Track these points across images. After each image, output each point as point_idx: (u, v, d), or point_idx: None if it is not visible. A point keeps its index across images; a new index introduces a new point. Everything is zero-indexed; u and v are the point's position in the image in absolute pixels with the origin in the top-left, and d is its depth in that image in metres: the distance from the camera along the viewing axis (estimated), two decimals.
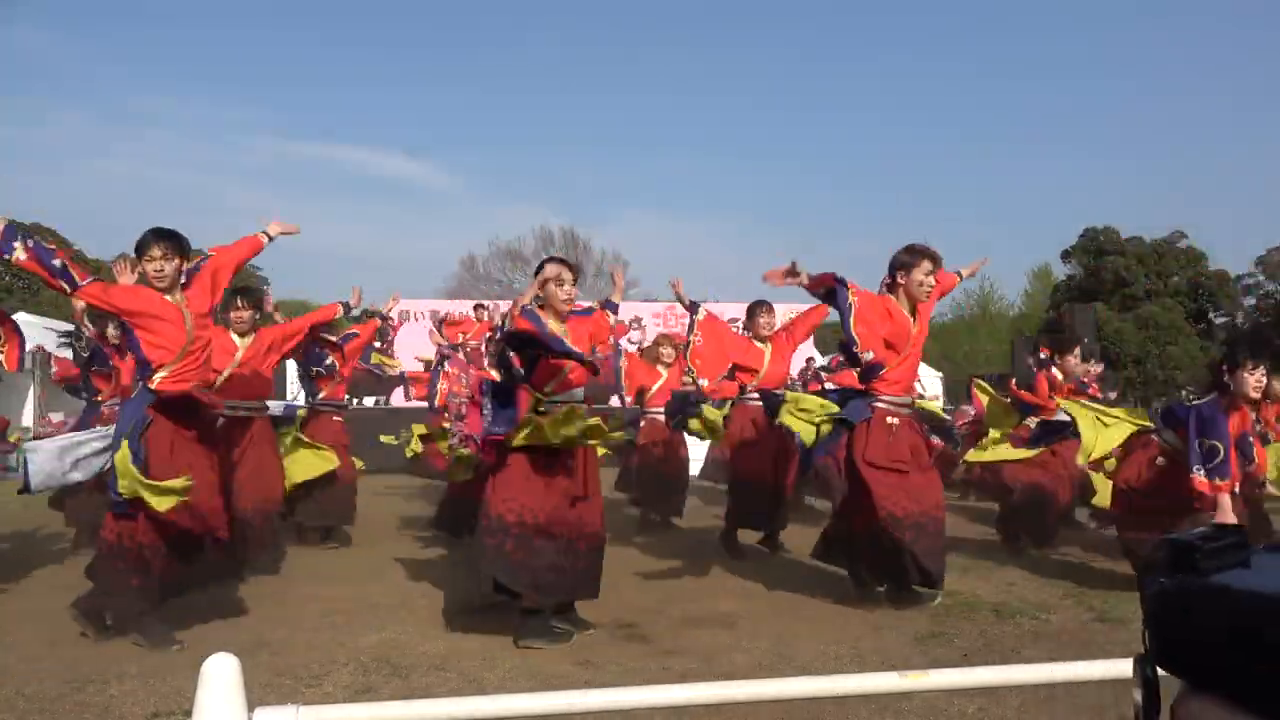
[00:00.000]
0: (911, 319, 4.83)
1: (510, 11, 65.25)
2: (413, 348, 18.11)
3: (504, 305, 7.72)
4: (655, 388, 7.75)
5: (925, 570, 4.59)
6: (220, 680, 1.57)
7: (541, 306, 4.39)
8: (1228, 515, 4.54)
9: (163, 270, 4.16)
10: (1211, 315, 39.41)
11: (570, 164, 66.51)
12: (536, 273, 4.48)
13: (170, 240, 4.19)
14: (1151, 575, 0.86)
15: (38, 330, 17.36)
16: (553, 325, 4.33)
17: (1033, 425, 6.44)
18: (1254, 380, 4.80)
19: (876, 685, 2.00)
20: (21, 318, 18.32)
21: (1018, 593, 5.00)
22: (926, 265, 4.76)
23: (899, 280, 4.83)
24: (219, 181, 65.69)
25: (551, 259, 4.53)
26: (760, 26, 64.77)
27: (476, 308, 10.03)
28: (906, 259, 4.81)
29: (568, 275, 4.36)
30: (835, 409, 4.83)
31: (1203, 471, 4.65)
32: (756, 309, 6.61)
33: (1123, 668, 2.16)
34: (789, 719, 3.08)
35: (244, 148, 66.97)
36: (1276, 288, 39.46)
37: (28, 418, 15.41)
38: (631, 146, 65.95)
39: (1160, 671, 0.83)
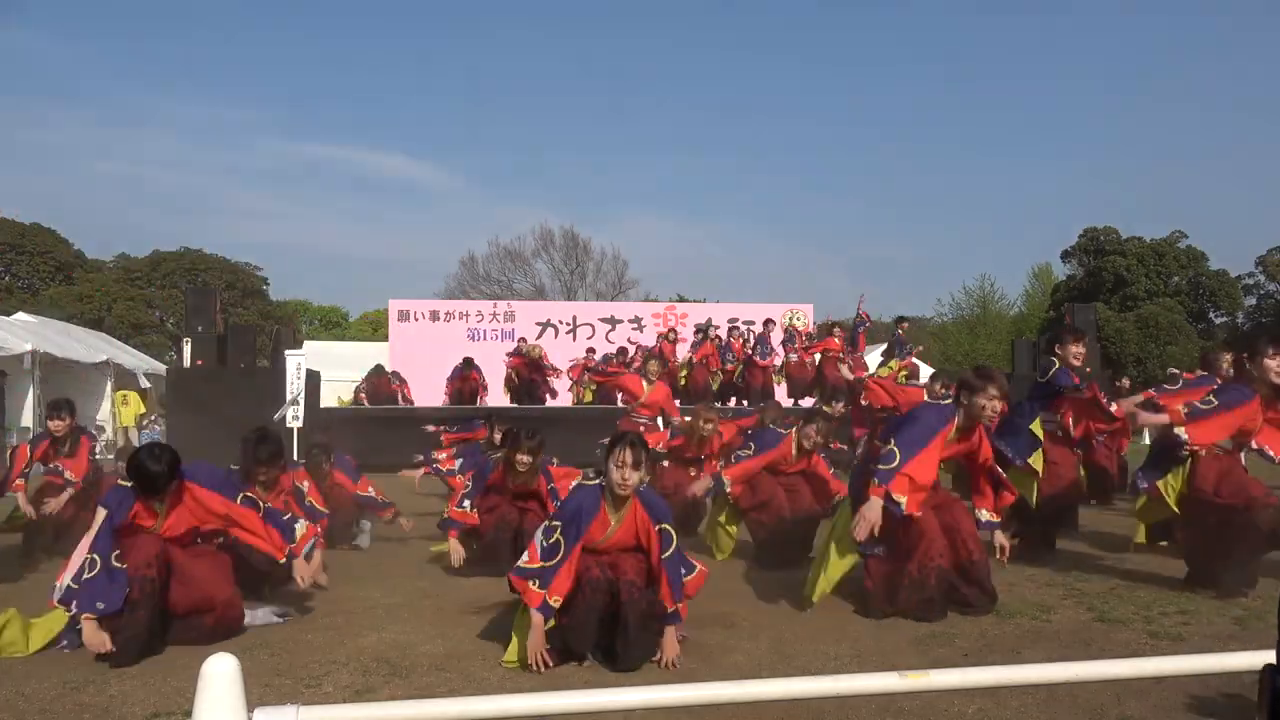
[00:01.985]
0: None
1: (511, 12, 65.30)
2: (416, 348, 18.03)
3: None
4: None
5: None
6: (220, 680, 1.57)
7: None
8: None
9: None
10: (1211, 315, 39.44)
11: (570, 164, 66.52)
12: None
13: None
14: None
15: (37, 329, 17.39)
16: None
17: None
18: (1276, 366, 4.88)
19: (876, 685, 2.00)
20: (21, 318, 18.34)
21: (1018, 593, 4.99)
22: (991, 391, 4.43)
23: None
24: (219, 182, 65.82)
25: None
26: (762, 28, 64.87)
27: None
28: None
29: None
30: None
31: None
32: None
33: (1123, 668, 2.16)
34: (789, 719, 3.08)
35: (244, 148, 67.09)
36: (1277, 288, 39.48)
37: (27, 417, 15.40)
38: (632, 147, 66.04)
39: None
